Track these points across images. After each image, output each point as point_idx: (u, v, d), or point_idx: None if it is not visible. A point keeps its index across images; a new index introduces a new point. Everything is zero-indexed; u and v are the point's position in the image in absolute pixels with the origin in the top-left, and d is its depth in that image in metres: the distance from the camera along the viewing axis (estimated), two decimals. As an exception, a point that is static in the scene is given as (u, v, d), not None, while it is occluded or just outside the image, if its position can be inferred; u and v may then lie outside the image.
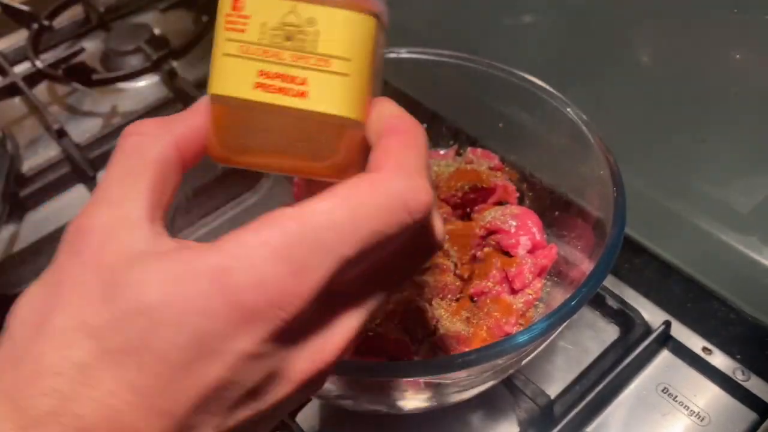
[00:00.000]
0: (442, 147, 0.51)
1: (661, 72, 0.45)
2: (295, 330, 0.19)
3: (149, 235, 0.20)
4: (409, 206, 0.20)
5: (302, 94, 0.22)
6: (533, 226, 0.43)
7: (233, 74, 0.24)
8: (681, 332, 0.45)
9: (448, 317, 0.40)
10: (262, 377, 0.19)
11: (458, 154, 0.50)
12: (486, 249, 0.44)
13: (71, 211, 0.57)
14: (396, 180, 0.21)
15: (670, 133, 0.46)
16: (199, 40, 0.72)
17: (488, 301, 0.41)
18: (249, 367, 0.18)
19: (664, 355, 0.45)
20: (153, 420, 0.17)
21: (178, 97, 0.67)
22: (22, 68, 0.73)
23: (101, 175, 0.62)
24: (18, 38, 0.78)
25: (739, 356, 0.44)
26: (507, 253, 0.43)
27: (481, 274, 0.42)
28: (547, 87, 0.42)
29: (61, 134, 0.63)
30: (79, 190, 0.62)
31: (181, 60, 0.72)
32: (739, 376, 0.43)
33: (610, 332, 0.46)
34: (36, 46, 0.73)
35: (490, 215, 0.44)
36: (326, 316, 0.20)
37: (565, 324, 0.32)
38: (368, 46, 0.23)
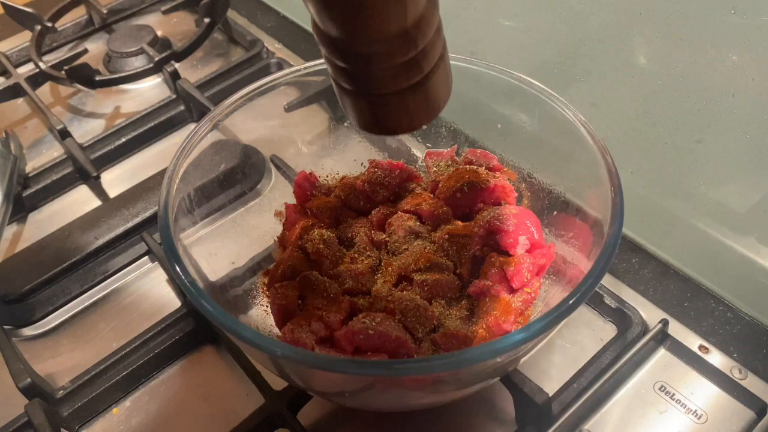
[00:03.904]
0: (442, 147, 0.51)
1: (658, 73, 0.45)
2: None
3: None
4: None
5: None
6: (532, 225, 0.43)
7: None
8: (678, 331, 0.46)
9: (447, 315, 0.41)
10: None
11: (457, 154, 0.50)
12: (485, 248, 0.44)
13: (74, 211, 0.58)
14: None
15: (667, 134, 0.47)
16: (201, 42, 0.72)
17: (487, 299, 0.41)
18: None
19: (662, 354, 0.45)
20: None
21: (181, 98, 0.67)
22: (25, 69, 0.73)
23: (104, 175, 0.63)
24: (21, 39, 0.79)
25: (736, 355, 0.44)
26: (506, 253, 0.43)
27: (480, 273, 0.43)
28: (546, 88, 0.43)
29: (64, 135, 0.64)
30: (82, 190, 0.63)
31: (184, 62, 0.73)
32: (736, 375, 0.43)
33: (607, 330, 0.47)
34: (39, 47, 0.74)
35: (489, 215, 0.44)
36: None
37: (563, 322, 0.33)
38: None
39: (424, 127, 0.33)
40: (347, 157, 0.52)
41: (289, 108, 0.50)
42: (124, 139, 0.65)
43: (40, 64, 0.70)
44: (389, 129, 0.32)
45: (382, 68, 0.28)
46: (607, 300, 0.47)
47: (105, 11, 0.79)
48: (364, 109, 0.31)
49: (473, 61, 0.45)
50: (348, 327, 0.39)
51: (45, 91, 0.73)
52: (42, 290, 0.52)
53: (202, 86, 0.68)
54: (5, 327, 0.49)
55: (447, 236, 0.44)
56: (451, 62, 0.45)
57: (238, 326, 0.32)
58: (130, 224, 0.54)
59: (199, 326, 0.48)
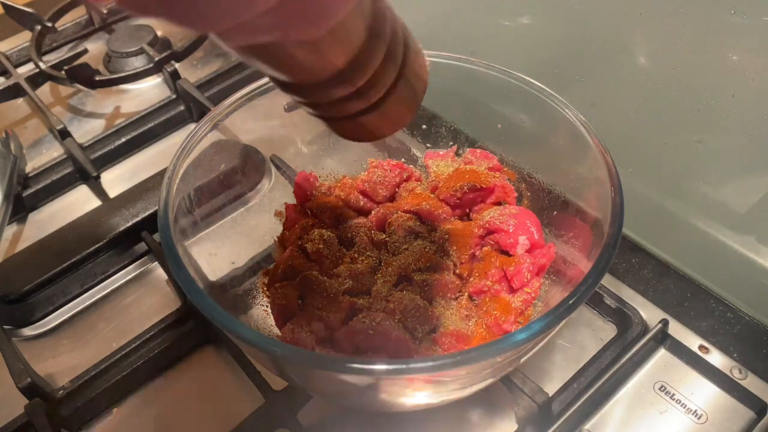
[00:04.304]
0: (442, 147, 0.52)
1: (658, 73, 0.45)
2: None
3: None
4: None
5: None
6: (532, 225, 0.43)
7: None
8: (678, 331, 0.46)
9: (447, 315, 0.41)
10: None
11: (457, 154, 0.50)
12: (485, 248, 0.44)
13: (74, 211, 0.58)
14: None
15: (667, 134, 0.47)
16: (201, 42, 0.72)
17: (487, 299, 0.41)
18: None
19: (662, 354, 0.45)
20: None
21: (180, 98, 0.67)
22: (25, 69, 0.73)
23: (104, 175, 0.63)
24: (21, 39, 0.79)
25: (736, 355, 0.44)
26: (506, 253, 0.43)
27: (480, 273, 0.43)
28: (546, 88, 0.43)
29: (64, 135, 0.64)
30: (81, 190, 0.63)
31: (184, 62, 0.73)
32: (736, 375, 0.43)
33: (607, 330, 0.47)
34: (39, 47, 0.74)
35: (489, 215, 0.44)
36: None
37: (563, 322, 0.33)
38: None
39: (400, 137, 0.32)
40: (347, 157, 0.52)
41: (289, 108, 0.50)
42: (124, 139, 0.65)
43: (40, 64, 0.70)
44: (352, 139, 0.32)
45: (324, 101, 0.27)
46: (607, 300, 0.47)
47: (105, 11, 0.79)
48: (324, 123, 0.31)
49: (473, 61, 0.45)
50: (348, 327, 0.39)
51: (45, 91, 0.73)
52: (42, 290, 0.52)
53: (202, 86, 0.68)
54: (5, 327, 0.49)
55: (447, 236, 0.44)
56: (452, 62, 0.45)
57: (238, 326, 0.32)
58: (130, 224, 0.54)
59: (199, 326, 0.47)
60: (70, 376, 0.45)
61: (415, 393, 0.36)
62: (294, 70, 0.24)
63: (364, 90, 0.27)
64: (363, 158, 0.51)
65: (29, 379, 0.43)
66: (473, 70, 0.45)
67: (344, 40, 0.24)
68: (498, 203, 0.47)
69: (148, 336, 0.47)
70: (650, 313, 0.47)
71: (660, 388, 0.43)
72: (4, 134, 0.64)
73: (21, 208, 0.60)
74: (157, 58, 0.68)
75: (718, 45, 0.41)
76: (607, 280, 0.49)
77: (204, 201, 0.44)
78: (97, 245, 0.53)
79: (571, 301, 0.32)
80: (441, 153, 0.51)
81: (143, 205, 0.56)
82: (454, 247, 0.44)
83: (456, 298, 0.43)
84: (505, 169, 0.48)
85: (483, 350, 0.30)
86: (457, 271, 0.44)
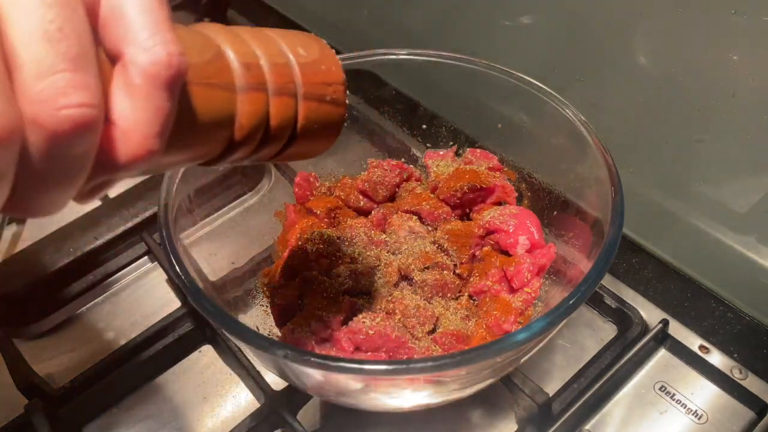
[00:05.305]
0: (442, 147, 0.51)
1: (659, 73, 0.45)
2: None
3: None
4: None
5: None
6: (532, 225, 0.43)
7: None
8: (678, 331, 0.46)
9: (447, 315, 0.41)
10: None
11: (457, 154, 0.50)
12: (485, 248, 0.44)
13: (74, 211, 0.58)
14: None
15: (667, 134, 0.47)
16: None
17: (487, 299, 0.41)
18: None
19: (662, 354, 0.45)
20: None
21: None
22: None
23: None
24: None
25: (736, 355, 0.44)
26: (506, 253, 0.43)
27: (480, 273, 0.43)
28: (546, 88, 0.43)
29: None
30: (81, 191, 0.62)
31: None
32: (736, 375, 0.43)
33: (608, 331, 0.47)
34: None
35: (489, 215, 0.44)
36: None
37: (563, 322, 0.33)
38: None
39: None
40: (347, 157, 0.52)
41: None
42: (124, 139, 0.64)
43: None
44: (296, 159, 0.30)
45: (242, 159, 0.27)
46: (607, 300, 0.47)
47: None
48: None
49: (473, 61, 0.45)
50: (348, 327, 0.39)
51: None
52: (42, 290, 0.52)
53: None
54: (5, 327, 0.49)
55: (447, 236, 0.44)
56: (452, 62, 0.44)
57: (238, 326, 0.32)
58: (130, 224, 0.54)
59: (199, 326, 0.47)
60: (70, 376, 0.45)
61: (416, 393, 0.36)
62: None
63: (267, 140, 0.26)
64: (363, 158, 0.51)
65: (29, 379, 0.43)
66: (473, 70, 0.45)
67: (195, 142, 0.24)
68: (498, 203, 0.47)
69: (147, 336, 0.47)
70: (650, 313, 0.47)
71: (660, 388, 0.43)
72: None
73: (21, 208, 0.60)
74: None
75: (718, 45, 0.41)
76: (607, 280, 0.49)
77: (204, 201, 0.44)
78: (97, 245, 0.53)
79: (571, 301, 0.32)
80: (441, 153, 0.51)
81: (143, 205, 0.56)
82: (454, 247, 0.44)
83: (456, 298, 0.43)
84: (505, 169, 0.48)
85: (483, 350, 0.30)
86: (457, 271, 0.44)
